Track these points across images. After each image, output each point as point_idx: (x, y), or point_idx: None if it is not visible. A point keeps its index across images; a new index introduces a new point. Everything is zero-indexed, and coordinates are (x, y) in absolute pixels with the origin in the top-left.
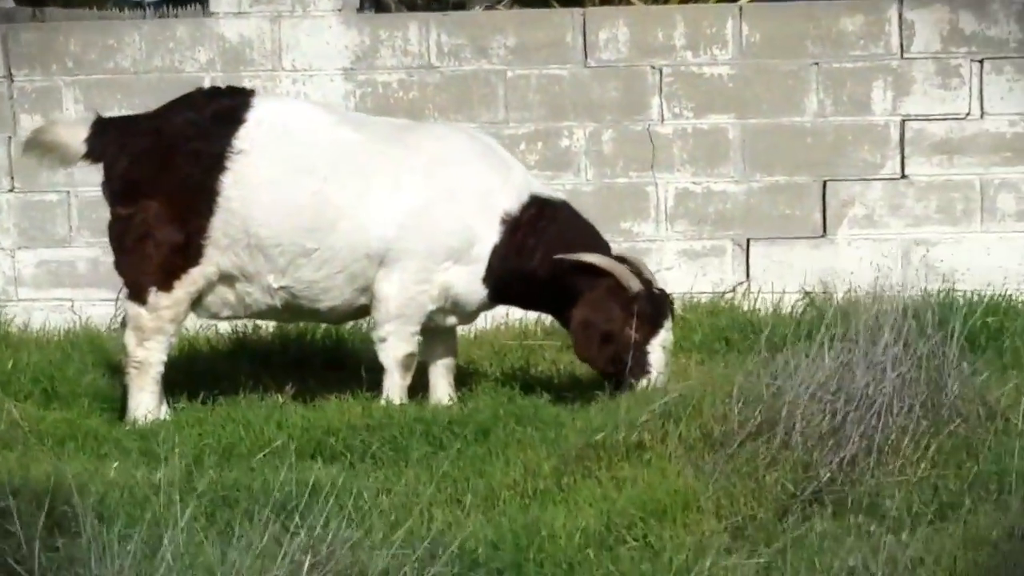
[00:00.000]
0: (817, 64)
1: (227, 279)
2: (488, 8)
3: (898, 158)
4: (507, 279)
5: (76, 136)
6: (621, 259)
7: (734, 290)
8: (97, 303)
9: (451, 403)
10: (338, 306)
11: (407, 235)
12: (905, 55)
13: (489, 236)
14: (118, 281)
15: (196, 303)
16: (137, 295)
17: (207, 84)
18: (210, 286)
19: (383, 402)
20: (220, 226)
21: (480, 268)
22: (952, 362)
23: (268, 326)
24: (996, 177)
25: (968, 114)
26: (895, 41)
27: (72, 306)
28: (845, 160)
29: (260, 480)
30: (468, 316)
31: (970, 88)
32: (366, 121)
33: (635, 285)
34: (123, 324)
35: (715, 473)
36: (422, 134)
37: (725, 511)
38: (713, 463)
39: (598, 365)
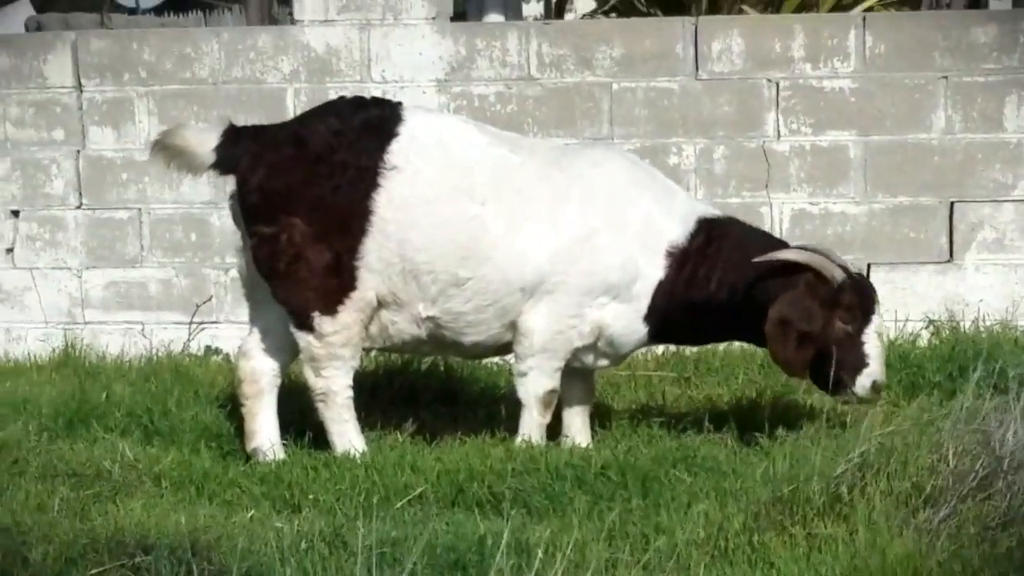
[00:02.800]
0: (946, 77)
1: (377, 305)
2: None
3: None
4: (675, 315)
5: (205, 144)
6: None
7: None
8: (168, 326)
9: (588, 446)
10: (484, 341)
11: (563, 268)
12: None
13: (653, 272)
14: (190, 304)
15: None
16: (301, 323)
17: (290, 96)
18: (374, 310)
19: (520, 441)
20: (374, 248)
21: (642, 306)
22: None
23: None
24: None
25: None
26: None
27: (142, 329)
28: (974, 180)
29: (418, 533)
30: (621, 357)
31: None
32: (520, 142)
33: (838, 275)
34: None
35: (939, 535)
36: (581, 159)
37: None
38: (929, 522)
39: (796, 369)
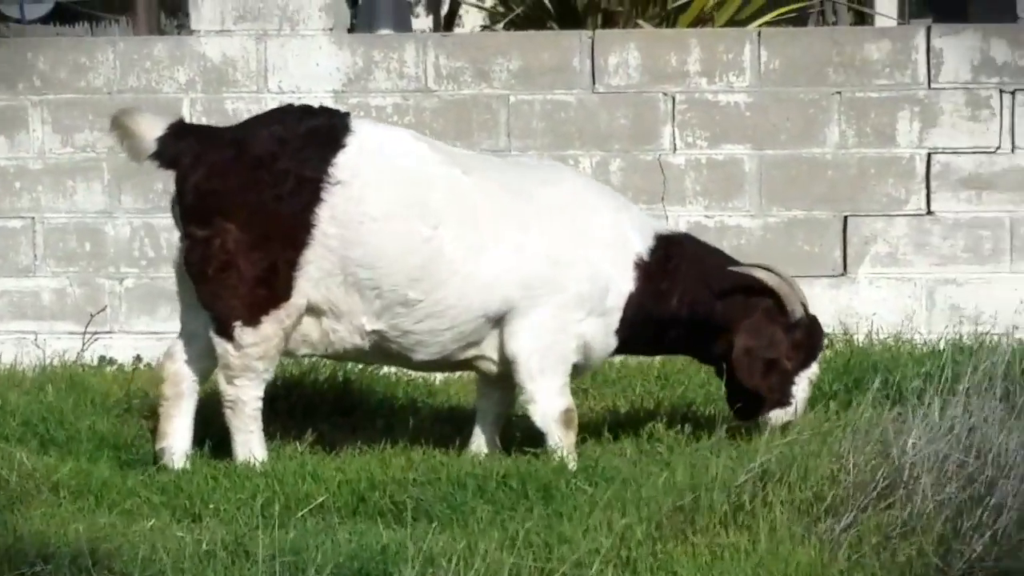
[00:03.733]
0: (839, 93)
1: (314, 312)
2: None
3: (924, 193)
4: (639, 328)
5: (151, 131)
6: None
7: None
8: (62, 336)
9: (488, 455)
10: (436, 360)
11: (535, 291)
12: (933, 85)
13: (624, 284)
14: (84, 314)
15: None
16: (222, 330)
17: (186, 106)
18: (299, 320)
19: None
20: (314, 260)
21: (615, 319)
22: None
23: None
24: None
25: (998, 148)
26: (922, 70)
27: (36, 339)
28: (868, 195)
29: (321, 543)
30: (588, 372)
31: (1001, 120)
32: (472, 161)
33: (799, 311)
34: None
35: (840, 544)
36: (535, 178)
37: None
38: (830, 532)
39: (759, 396)
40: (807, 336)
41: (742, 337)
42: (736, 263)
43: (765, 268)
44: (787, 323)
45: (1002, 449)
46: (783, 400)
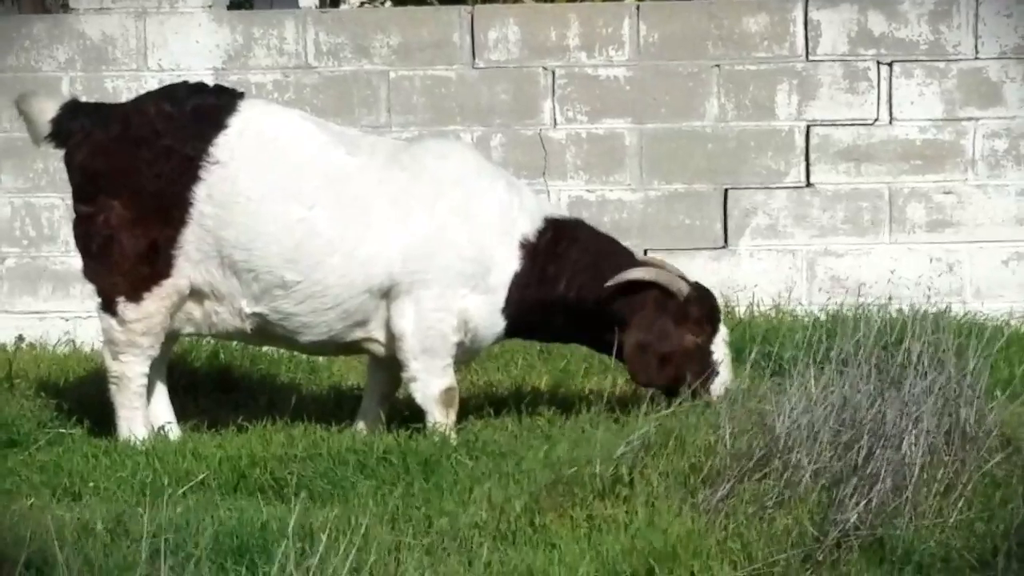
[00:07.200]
0: (718, 66)
1: (196, 294)
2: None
3: (803, 165)
4: (527, 310)
5: (45, 113)
6: (656, 265)
7: None
8: None
9: (369, 431)
10: (323, 341)
11: (419, 266)
12: (811, 57)
13: (509, 263)
14: None
15: None
16: (107, 306)
17: (66, 84)
18: (183, 300)
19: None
20: (192, 239)
21: (499, 298)
22: (967, 390)
23: None
24: (905, 186)
25: (876, 120)
26: (800, 42)
27: None
28: (747, 167)
29: (201, 519)
30: (476, 352)
31: (879, 92)
32: (360, 142)
33: (683, 288)
34: None
35: (717, 513)
36: (425, 153)
37: (738, 557)
38: (707, 502)
39: (660, 387)
40: (702, 306)
41: (633, 332)
42: (628, 252)
43: (640, 266)
44: (679, 304)
45: (877, 419)
46: (711, 372)
